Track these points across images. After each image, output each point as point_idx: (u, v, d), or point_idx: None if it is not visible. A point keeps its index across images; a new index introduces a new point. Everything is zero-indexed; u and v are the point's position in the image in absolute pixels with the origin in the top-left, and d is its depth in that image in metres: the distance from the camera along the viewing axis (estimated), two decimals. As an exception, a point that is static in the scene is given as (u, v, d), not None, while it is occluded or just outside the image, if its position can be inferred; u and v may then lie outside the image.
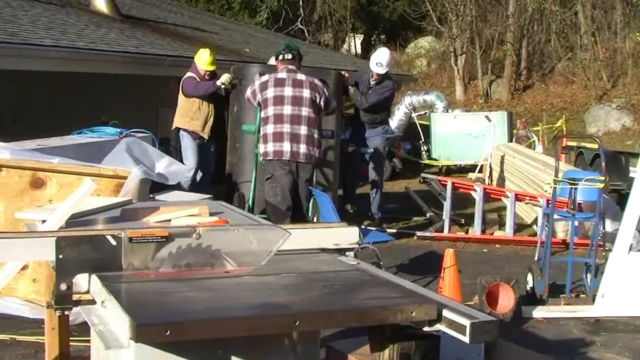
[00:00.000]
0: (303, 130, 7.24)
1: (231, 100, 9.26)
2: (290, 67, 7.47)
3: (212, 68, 9.34)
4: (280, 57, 7.59)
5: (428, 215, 10.41)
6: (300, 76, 7.40)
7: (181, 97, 9.38)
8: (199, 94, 9.20)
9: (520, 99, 26.89)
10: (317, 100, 7.36)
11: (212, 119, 9.36)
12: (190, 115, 9.30)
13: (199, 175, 9.13)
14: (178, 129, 9.43)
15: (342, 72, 10.25)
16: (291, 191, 7.22)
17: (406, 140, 18.25)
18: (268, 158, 7.28)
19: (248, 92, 7.56)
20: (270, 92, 7.29)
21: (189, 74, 9.36)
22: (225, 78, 9.07)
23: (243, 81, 8.86)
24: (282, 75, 7.39)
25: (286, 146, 7.19)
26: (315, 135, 7.35)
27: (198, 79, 9.25)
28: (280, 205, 7.18)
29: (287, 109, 7.23)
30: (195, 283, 2.64)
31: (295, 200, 7.28)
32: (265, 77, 7.45)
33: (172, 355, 2.36)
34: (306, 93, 7.31)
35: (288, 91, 7.28)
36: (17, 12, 11.11)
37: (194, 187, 8.35)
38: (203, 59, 9.31)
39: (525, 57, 28.29)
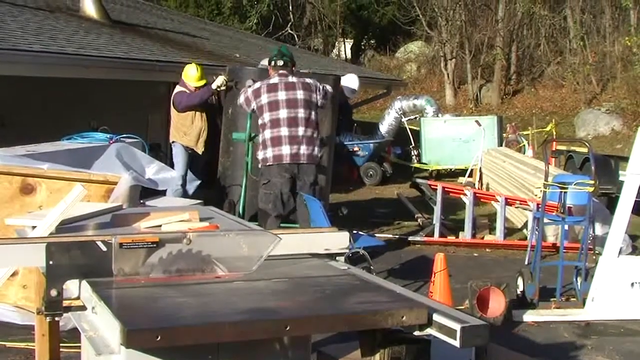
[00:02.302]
0: (301, 131, 7.14)
1: (226, 102, 9.18)
2: (281, 72, 7.38)
3: (201, 83, 9.17)
4: (272, 63, 7.47)
5: (419, 220, 10.42)
6: (292, 79, 7.32)
7: (174, 112, 9.27)
8: (194, 103, 9.06)
9: (510, 103, 26.95)
10: (313, 99, 7.29)
11: (205, 133, 9.23)
12: (183, 129, 9.19)
13: (193, 187, 9.05)
14: (173, 141, 9.34)
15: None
16: (288, 200, 7.09)
17: (396, 144, 18.28)
18: (268, 164, 7.13)
19: (241, 99, 7.45)
20: (265, 99, 7.19)
21: (178, 88, 9.24)
22: (220, 80, 8.91)
23: (238, 84, 8.70)
24: (274, 80, 7.30)
25: (285, 149, 7.08)
26: (315, 135, 7.25)
27: (188, 92, 9.13)
28: (271, 212, 7.12)
29: (283, 113, 7.14)
30: (185, 288, 2.63)
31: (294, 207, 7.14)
32: (257, 84, 7.35)
33: (163, 360, 2.36)
34: (300, 94, 7.22)
35: (282, 95, 7.19)
36: (5, 17, 11.07)
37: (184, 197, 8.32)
38: (191, 75, 9.16)
39: (514, 61, 28.36)
